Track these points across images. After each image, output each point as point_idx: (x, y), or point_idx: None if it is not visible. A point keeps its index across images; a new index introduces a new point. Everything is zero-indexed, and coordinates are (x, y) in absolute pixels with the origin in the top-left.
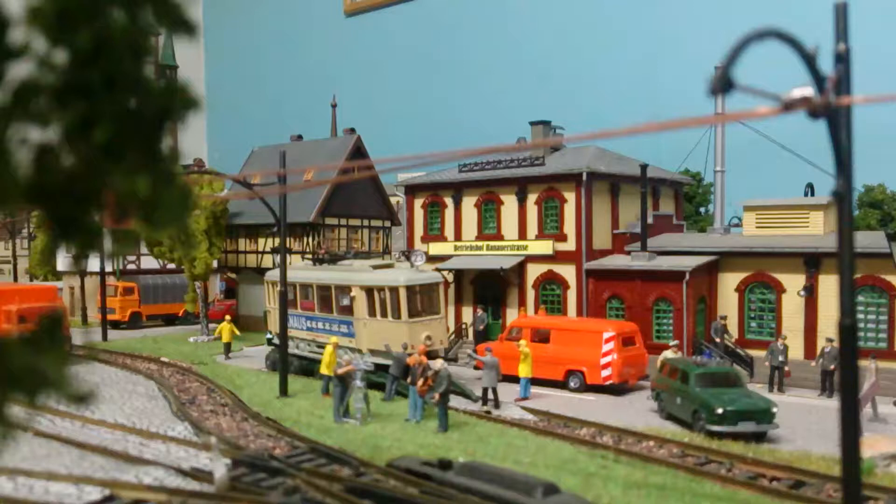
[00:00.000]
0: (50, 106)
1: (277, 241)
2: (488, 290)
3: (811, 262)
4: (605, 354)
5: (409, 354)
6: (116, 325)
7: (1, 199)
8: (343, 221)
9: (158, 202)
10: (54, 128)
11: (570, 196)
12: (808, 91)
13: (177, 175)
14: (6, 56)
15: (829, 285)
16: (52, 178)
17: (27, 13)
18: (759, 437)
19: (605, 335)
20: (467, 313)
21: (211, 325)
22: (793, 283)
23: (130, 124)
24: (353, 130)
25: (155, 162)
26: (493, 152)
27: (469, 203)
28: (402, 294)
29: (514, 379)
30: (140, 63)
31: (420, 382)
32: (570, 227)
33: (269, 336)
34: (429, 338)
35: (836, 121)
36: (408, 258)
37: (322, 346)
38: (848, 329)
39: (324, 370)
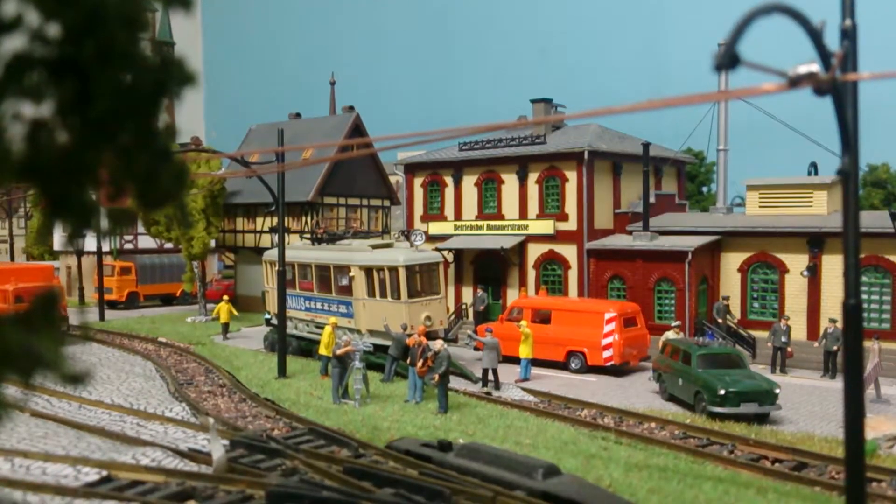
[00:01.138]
0: (43, 80)
1: (275, 220)
2: (488, 270)
3: (814, 242)
4: (607, 335)
5: (409, 335)
6: (113, 304)
7: None
8: (342, 201)
9: (154, 180)
10: (48, 103)
11: (571, 175)
12: (814, 67)
13: (172, 152)
14: None
15: (832, 265)
16: (45, 155)
17: None
18: (762, 419)
19: (607, 316)
20: (467, 294)
21: (209, 306)
22: (796, 263)
23: (125, 100)
24: (351, 108)
25: (150, 138)
26: (494, 129)
27: (469, 182)
28: (402, 274)
29: (515, 360)
30: (135, 37)
31: (420, 363)
32: (571, 206)
33: (267, 316)
34: (428, 318)
35: (842, 97)
36: (407, 238)
37: (321, 326)
38: (853, 309)
39: (322, 351)
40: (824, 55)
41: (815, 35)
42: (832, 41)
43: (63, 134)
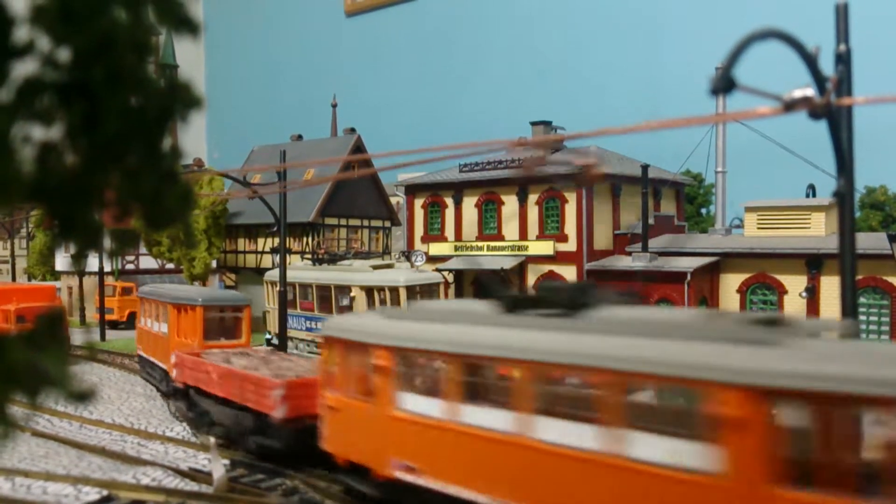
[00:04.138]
0: (53, 104)
1: (277, 240)
2: (489, 290)
3: (813, 264)
4: None
5: None
6: (115, 324)
7: (5, 196)
8: (343, 221)
9: (160, 200)
10: (57, 126)
11: (570, 196)
12: (809, 91)
13: (178, 173)
14: (11, 54)
15: (831, 287)
16: (54, 176)
17: (31, 12)
18: None
19: None
20: None
21: None
22: (795, 284)
23: (133, 123)
24: (353, 130)
25: (157, 160)
26: (494, 150)
27: (469, 203)
28: (403, 294)
29: None
30: (142, 62)
31: None
32: (570, 227)
33: (268, 336)
34: None
35: (837, 121)
36: (408, 258)
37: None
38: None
39: None
40: (819, 80)
41: (810, 60)
42: (827, 66)
43: (72, 156)
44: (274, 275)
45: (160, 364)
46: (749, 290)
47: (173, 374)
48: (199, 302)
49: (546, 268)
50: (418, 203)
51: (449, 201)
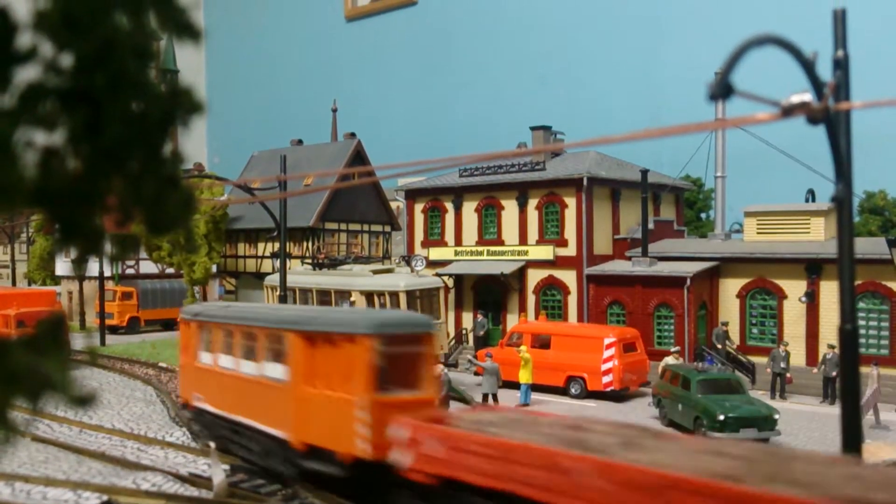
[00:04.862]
0: (56, 109)
1: (277, 245)
2: (489, 295)
3: (812, 269)
4: (607, 360)
5: None
6: (115, 329)
7: (7, 201)
8: (343, 226)
9: (161, 205)
10: (60, 131)
11: (570, 201)
12: (807, 97)
13: (180, 179)
14: (13, 60)
15: (830, 291)
16: (56, 181)
17: (34, 18)
18: None
19: (606, 341)
20: (467, 319)
21: None
22: (794, 289)
23: (135, 128)
24: (353, 135)
25: (159, 165)
26: (494, 158)
27: (469, 208)
28: (403, 299)
29: (515, 385)
30: (144, 67)
31: None
32: (570, 232)
33: None
34: None
35: (836, 126)
36: (408, 263)
37: None
38: (849, 334)
39: None
40: (817, 85)
41: (808, 65)
42: (825, 71)
43: (73, 161)
44: (274, 279)
45: (266, 429)
46: (748, 294)
47: (398, 457)
48: (364, 329)
49: (546, 272)
50: (418, 208)
51: (449, 206)
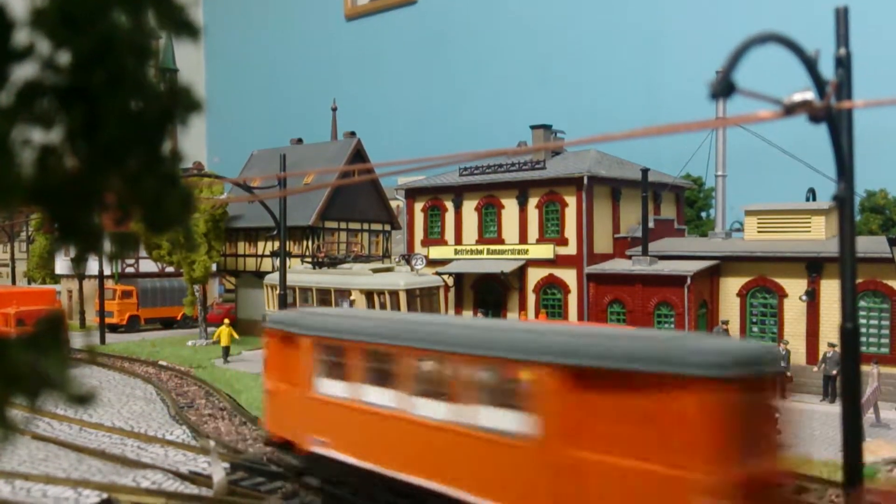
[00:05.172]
0: (53, 107)
1: (277, 244)
2: (489, 294)
3: (813, 267)
4: None
5: None
6: (114, 328)
7: (5, 200)
8: (343, 225)
9: (160, 204)
10: (57, 129)
11: (570, 200)
12: (809, 95)
13: (179, 177)
14: (11, 57)
15: (831, 290)
16: (54, 180)
17: (32, 15)
18: None
19: None
20: (467, 317)
21: (209, 329)
22: (795, 287)
23: (133, 126)
24: (353, 134)
25: (157, 164)
26: (494, 156)
27: (469, 207)
28: (402, 298)
29: None
30: (143, 65)
31: None
32: (570, 231)
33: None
34: None
35: (838, 125)
36: (408, 262)
37: None
38: (850, 333)
39: None
40: (819, 83)
41: (810, 64)
42: (827, 69)
43: (72, 159)
44: (274, 278)
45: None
46: (749, 293)
47: None
48: (707, 370)
49: (546, 271)
50: (418, 206)
51: (449, 205)
